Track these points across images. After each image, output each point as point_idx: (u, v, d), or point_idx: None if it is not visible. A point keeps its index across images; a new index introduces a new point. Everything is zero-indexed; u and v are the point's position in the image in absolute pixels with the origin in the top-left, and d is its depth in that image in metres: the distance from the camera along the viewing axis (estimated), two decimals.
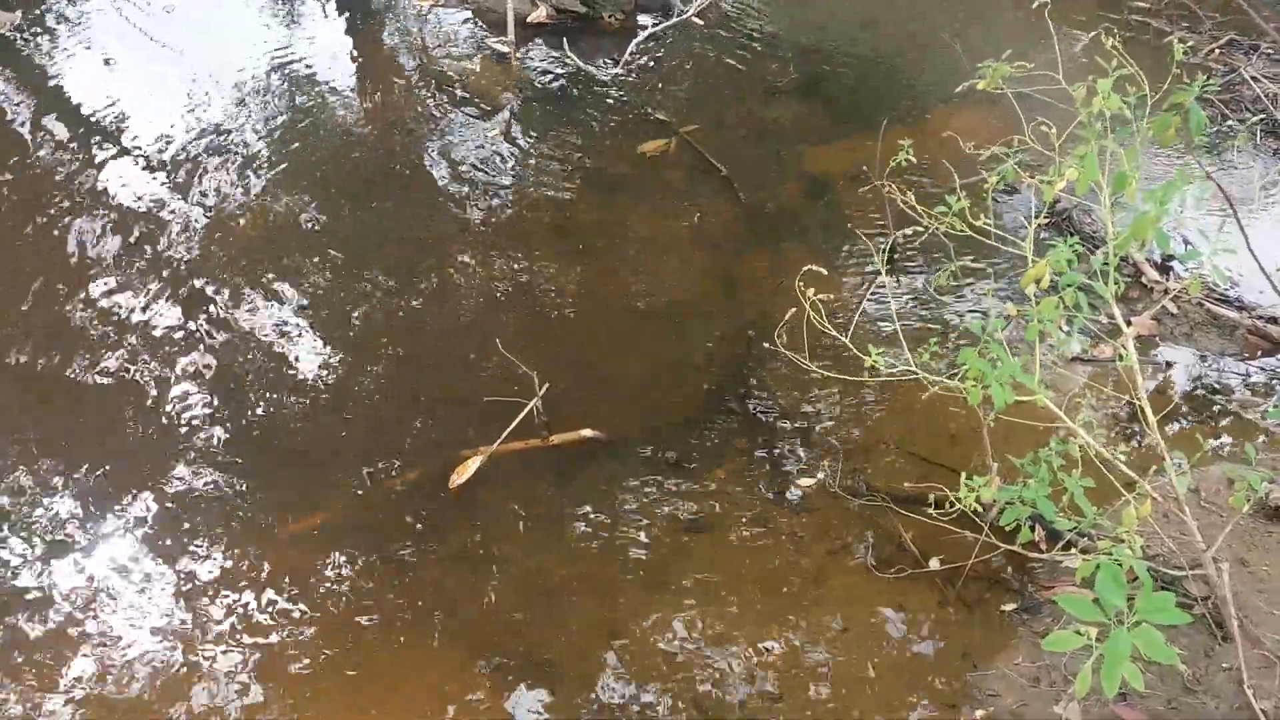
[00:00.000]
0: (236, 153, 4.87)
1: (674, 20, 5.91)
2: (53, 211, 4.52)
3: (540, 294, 4.15)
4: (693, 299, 4.16)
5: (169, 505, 3.33)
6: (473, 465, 3.43)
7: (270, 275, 4.21)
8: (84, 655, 2.93)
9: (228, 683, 2.87)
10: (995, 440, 3.05)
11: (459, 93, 5.40)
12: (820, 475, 3.42)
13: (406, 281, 4.20)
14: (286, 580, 3.13)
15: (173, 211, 4.53)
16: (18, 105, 5.24)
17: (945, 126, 4.58)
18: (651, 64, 5.68)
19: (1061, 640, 2.04)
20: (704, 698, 2.84)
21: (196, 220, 4.48)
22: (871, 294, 4.09)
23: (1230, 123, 4.96)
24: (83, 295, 4.07)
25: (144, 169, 4.79)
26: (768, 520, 3.29)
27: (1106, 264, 2.48)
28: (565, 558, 3.20)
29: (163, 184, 4.69)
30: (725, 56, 5.70)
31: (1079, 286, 2.47)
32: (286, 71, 5.53)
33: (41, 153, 4.90)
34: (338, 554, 3.20)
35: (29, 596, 3.07)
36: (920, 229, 3.23)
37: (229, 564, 3.17)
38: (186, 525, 3.27)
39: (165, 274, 4.20)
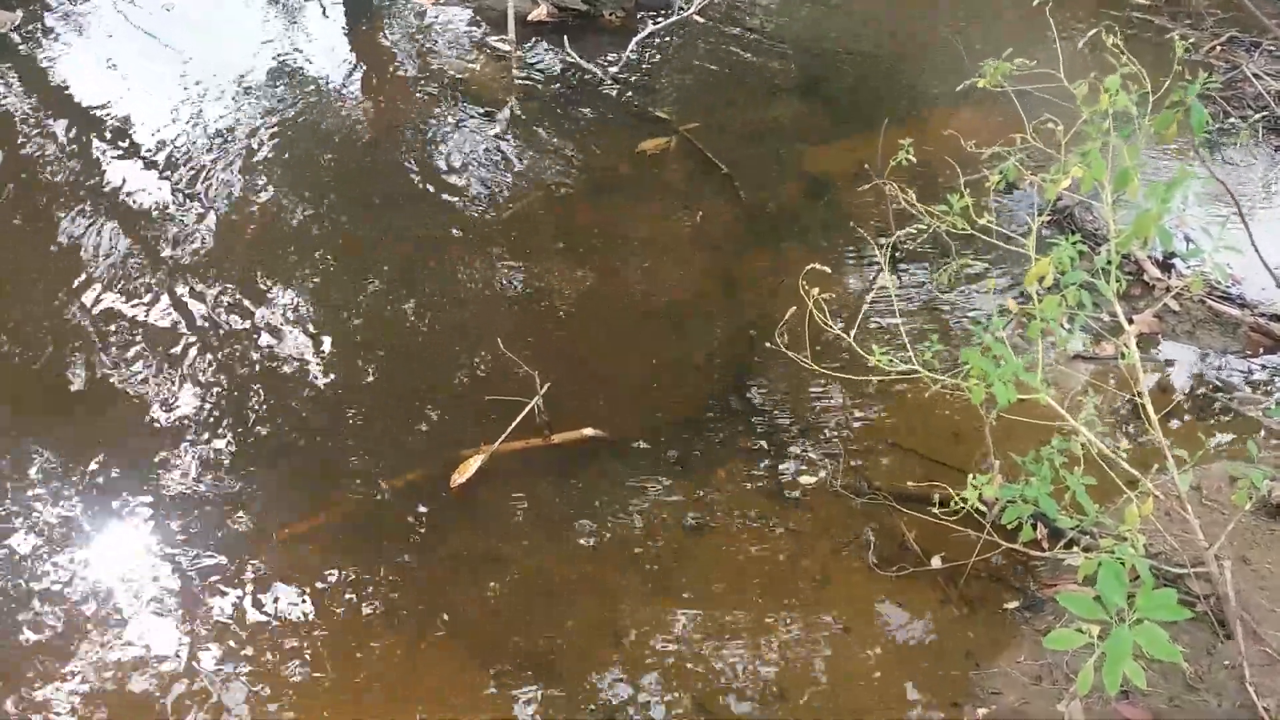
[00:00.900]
0: (235, 152, 4.88)
1: (675, 18, 5.91)
2: (53, 210, 4.52)
3: (541, 293, 4.15)
4: (693, 297, 4.16)
5: (167, 507, 3.33)
6: (474, 464, 3.42)
7: (269, 275, 4.21)
8: (81, 657, 2.92)
9: (226, 685, 2.86)
10: (997, 438, 3.05)
11: (459, 91, 5.40)
12: (822, 474, 3.42)
13: (407, 280, 4.20)
14: (286, 581, 3.13)
15: (172, 211, 4.53)
16: (18, 104, 5.24)
17: (946, 125, 4.58)
18: (652, 62, 5.68)
19: (1063, 638, 2.04)
20: (706, 697, 2.83)
21: (195, 219, 4.48)
22: (874, 292, 4.09)
23: (1232, 120, 4.95)
24: (80, 294, 4.07)
25: (144, 168, 4.79)
26: (769, 519, 3.29)
27: (1109, 262, 2.48)
28: (566, 557, 3.20)
29: (162, 183, 4.69)
30: (726, 55, 5.70)
31: (1081, 285, 2.47)
32: (286, 70, 5.53)
33: (41, 152, 4.90)
34: (338, 554, 3.20)
35: (26, 598, 3.07)
36: (922, 228, 3.23)
37: (228, 565, 3.16)
38: (185, 526, 3.27)
39: (162, 273, 4.20)
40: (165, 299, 4.07)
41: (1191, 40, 4.78)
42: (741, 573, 3.15)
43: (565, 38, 5.72)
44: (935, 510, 2.93)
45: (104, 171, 4.77)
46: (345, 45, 5.88)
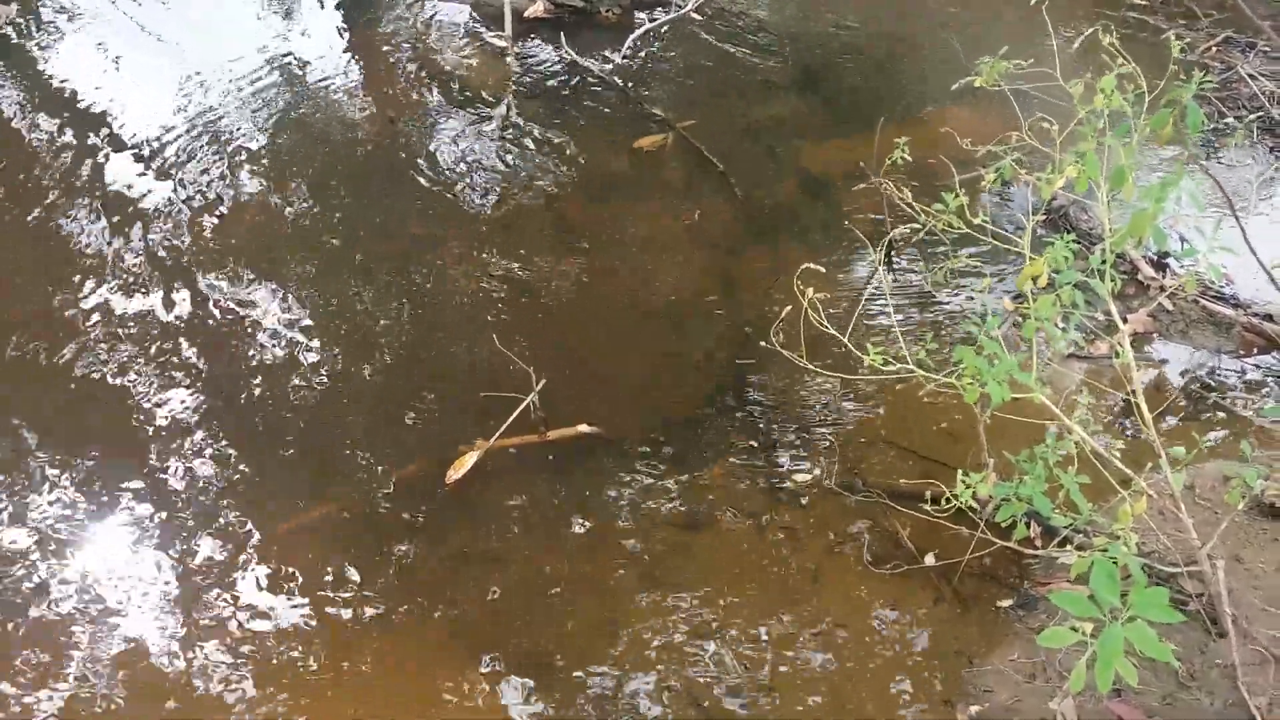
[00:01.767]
0: (232, 147, 4.87)
1: (671, 15, 5.91)
2: (48, 205, 4.51)
3: (537, 290, 4.15)
4: (690, 295, 4.16)
5: (164, 503, 3.33)
6: (470, 460, 3.43)
7: (264, 272, 4.20)
8: (76, 652, 2.92)
9: (223, 681, 2.86)
10: (991, 436, 3.06)
11: (456, 87, 5.39)
12: (817, 471, 3.43)
13: (403, 277, 4.20)
14: (283, 577, 3.13)
15: (168, 206, 4.52)
16: (13, 99, 5.22)
17: (943, 123, 4.59)
18: (648, 59, 5.68)
19: (1056, 636, 2.04)
20: (700, 694, 2.84)
21: (191, 215, 4.47)
22: (869, 291, 4.10)
23: (1227, 120, 4.96)
24: (76, 290, 4.07)
25: (140, 163, 4.78)
26: (764, 516, 3.30)
27: (1103, 261, 2.48)
28: (562, 554, 3.21)
29: (159, 179, 4.69)
30: (722, 52, 5.70)
31: (1075, 284, 2.48)
32: (282, 66, 5.52)
33: (36, 146, 4.89)
34: (334, 550, 3.20)
35: (24, 593, 3.07)
36: (917, 226, 3.23)
37: (225, 561, 3.16)
38: (182, 523, 3.27)
39: (157, 269, 4.19)
40: (159, 296, 4.07)
41: (1187, 40, 4.79)
42: (737, 569, 3.16)
43: (562, 34, 5.72)
44: (929, 508, 2.93)
45: (98, 166, 4.75)
46: (342, 41, 5.87)
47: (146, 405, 3.63)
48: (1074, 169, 2.42)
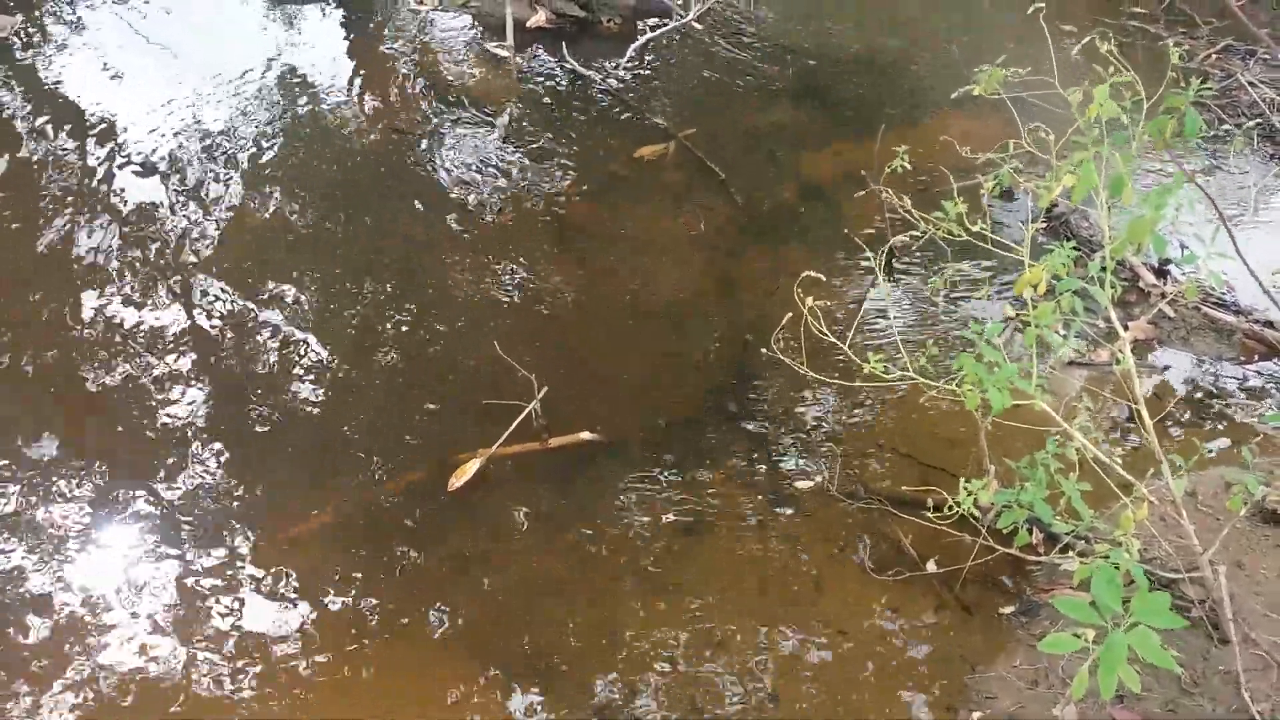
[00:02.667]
0: (235, 156, 4.88)
1: (672, 25, 5.93)
2: (53, 214, 4.52)
3: (539, 297, 4.16)
4: (691, 304, 4.17)
5: (168, 510, 3.33)
6: (472, 467, 3.43)
7: (268, 278, 4.21)
8: (82, 656, 2.92)
9: (226, 685, 2.87)
10: (993, 443, 3.06)
11: (458, 97, 5.41)
12: (818, 478, 3.43)
13: (405, 284, 4.21)
14: (286, 583, 3.13)
15: (170, 215, 4.54)
16: (17, 108, 5.24)
17: (942, 131, 4.59)
18: (649, 69, 5.70)
19: (1059, 643, 2.04)
20: (701, 700, 2.84)
21: (194, 223, 4.49)
22: (869, 298, 4.10)
23: (1227, 127, 4.97)
24: (81, 297, 4.08)
25: (143, 172, 4.79)
26: (766, 523, 3.30)
27: (1103, 268, 2.49)
28: (564, 560, 3.21)
29: (162, 187, 4.70)
30: (722, 61, 5.72)
31: (1076, 291, 2.48)
32: (285, 75, 5.54)
33: (40, 155, 4.91)
34: (338, 557, 3.20)
35: (28, 597, 3.07)
36: (917, 234, 3.23)
37: (229, 567, 3.17)
38: (185, 529, 3.27)
39: (159, 277, 4.20)
40: (162, 302, 4.08)
41: (1187, 48, 4.80)
42: (738, 576, 3.16)
43: (564, 44, 5.74)
44: (931, 514, 2.94)
45: (103, 174, 4.77)
46: (345, 50, 5.89)
47: (150, 412, 3.64)
48: (1070, 177, 2.43)
